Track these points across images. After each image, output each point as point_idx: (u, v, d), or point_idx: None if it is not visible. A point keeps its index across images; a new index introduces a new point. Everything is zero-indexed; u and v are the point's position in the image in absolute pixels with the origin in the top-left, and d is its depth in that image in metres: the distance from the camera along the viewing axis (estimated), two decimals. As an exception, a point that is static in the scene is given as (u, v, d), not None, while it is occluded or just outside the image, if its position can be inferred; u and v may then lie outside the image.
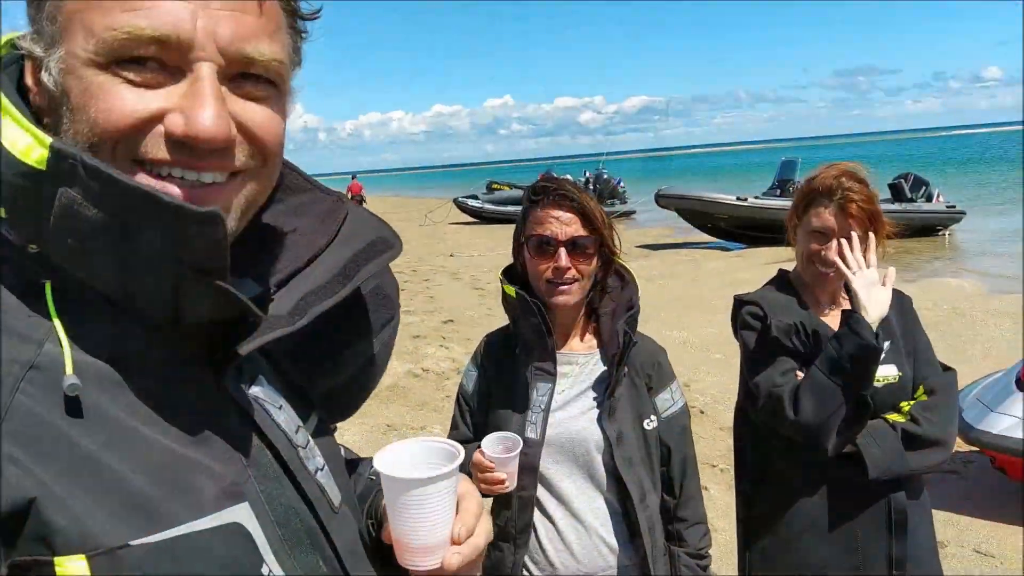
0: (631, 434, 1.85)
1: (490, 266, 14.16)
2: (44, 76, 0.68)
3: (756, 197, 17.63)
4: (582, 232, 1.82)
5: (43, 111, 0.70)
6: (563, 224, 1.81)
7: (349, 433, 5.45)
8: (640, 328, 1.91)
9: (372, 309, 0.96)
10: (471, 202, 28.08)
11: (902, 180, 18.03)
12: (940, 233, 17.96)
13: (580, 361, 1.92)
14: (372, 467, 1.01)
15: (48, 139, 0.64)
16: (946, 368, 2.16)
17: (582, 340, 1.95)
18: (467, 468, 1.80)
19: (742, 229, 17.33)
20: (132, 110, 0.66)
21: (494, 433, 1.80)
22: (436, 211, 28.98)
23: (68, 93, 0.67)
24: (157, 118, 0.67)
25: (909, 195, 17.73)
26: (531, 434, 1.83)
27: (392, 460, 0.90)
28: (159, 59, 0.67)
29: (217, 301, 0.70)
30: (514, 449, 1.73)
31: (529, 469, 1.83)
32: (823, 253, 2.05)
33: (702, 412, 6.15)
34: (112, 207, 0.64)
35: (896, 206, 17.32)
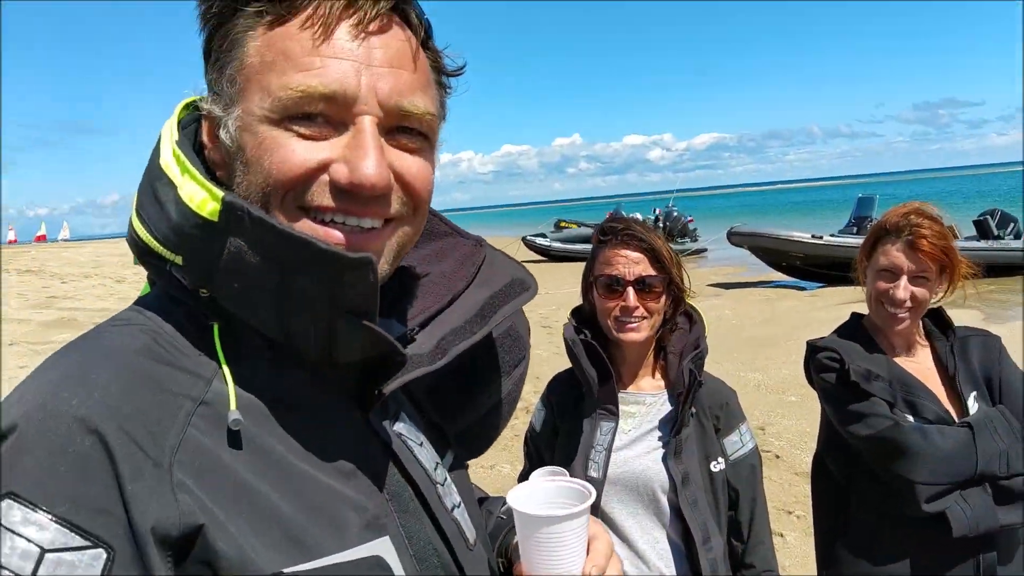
0: (697, 475, 1.83)
1: (558, 304, 14.16)
2: (222, 133, 0.75)
3: (832, 235, 17.22)
4: (650, 271, 1.83)
5: (217, 165, 0.77)
6: (631, 263, 1.83)
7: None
8: (713, 369, 1.89)
9: (505, 349, 1.00)
10: (539, 240, 28.27)
11: (988, 216, 17.34)
12: (1031, 272, 17.14)
13: (648, 401, 1.91)
14: (502, 505, 1.06)
15: (220, 193, 0.70)
16: None
17: (651, 379, 1.95)
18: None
19: (818, 267, 16.89)
20: (303, 161, 0.72)
21: (541, 468, 1.83)
22: (505, 250, 29.13)
23: (244, 148, 0.73)
24: (323, 167, 0.73)
25: (996, 232, 17.02)
26: (593, 472, 1.84)
27: (527, 497, 0.93)
28: (326, 114, 0.73)
29: (367, 341, 0.74)
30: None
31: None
32: (891, 292, 1.98)
33: (778, 457, 5.96)
34: (273, 254, 0.70)
35: (982, 244, 16.67)
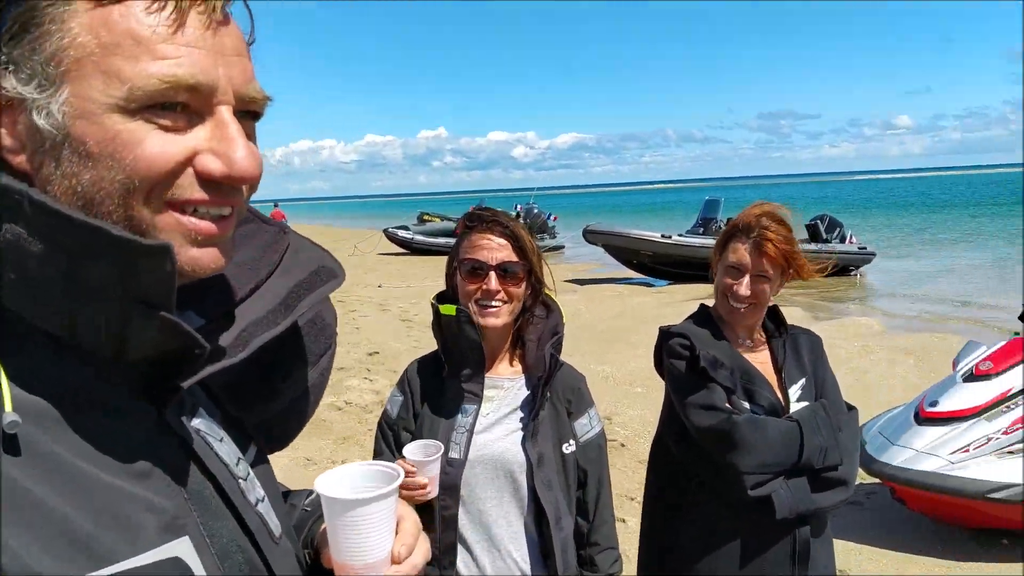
0: (551, 457, 1.90)
1: (419, 297, 14.12)
2: (35, 118, 0.69)
3: (680, 235, 18.10)
4: (513, 258, 1.89)
5: (11, 151, 0.70)
6: (495, 249, 1.89)
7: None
8: (567, 360, 1.97)
9: (310, 338, 0.97)
10: (401, 233, 27.97)
11: (818, 221, 18.80)
12: (853, 273, 18.71)
13: (506, 385, 1.96)
14: (306, 498, 1.03)
15: None
16: (850, 407, 2.25)
17: (508, 365, 2.00)
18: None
19: (666, 266, 17.74)
20: (170, 155, 0.69)
21: (414, 441, 1.83)
22: (365, 241, 28.75)
23: (80, 138, 0.68)
24: (189, 160, 0.70)
25: (824, 236, 18.47)
26: (455, 454, 1.87)
27: (332, 483, 0.92)
28: (186, 104, 0.70)
29: (164, 334, 0.71)
30: (435, 454, 1.76)
31: (451, 488, 1.87)
32: (735, 288, 2.12)
33: (623, 445, 6.24)
34: (60, 242, 0.65)
35: (812, 246, 18.03)
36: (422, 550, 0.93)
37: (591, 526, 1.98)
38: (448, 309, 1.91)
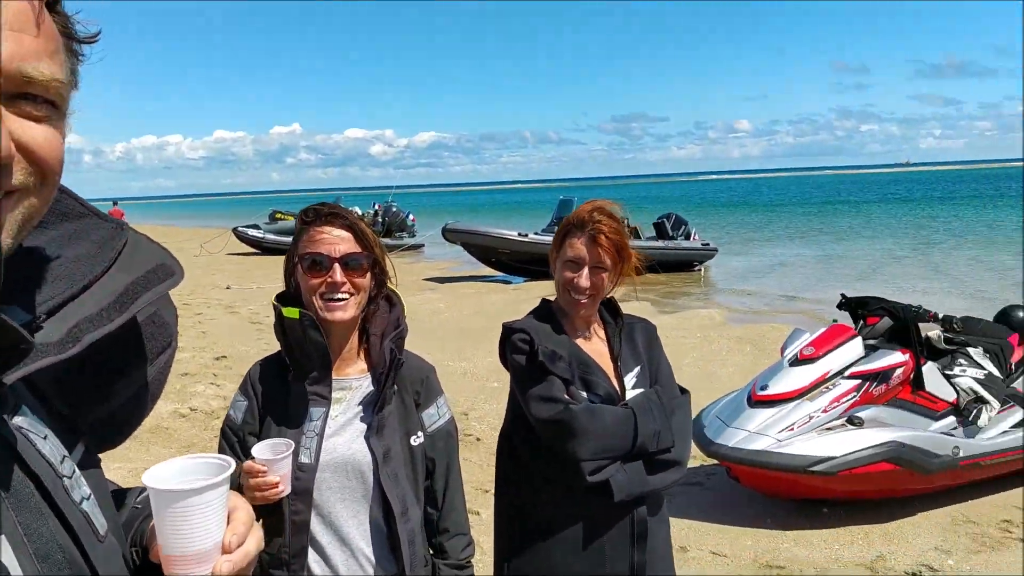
0: (398, 450, 1.90)
1: (270, 299, 13.64)
2: None
3: (536, 233, 18.50)
4: (356, 249, 1.87)
5: None
6: (337, 242, 1.86)
7: (108, 476, 5.01)
8: (425, 358, 1.98)
9: (148, 336, 0.95)
10: (252, 232, 26.92)
11: (665, 219, 19.75)
12: (696, 268, 19.80)
13: (354, 385, 1.94)
14: (137, 496, 1.01)
15: None
16: (683, 391, 2.38)
17: (356, 363, 1.98)
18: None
19: (523, 263, 18.08)
20: None
21: (263, 440, 1.80)
22: (213, 241, 27.48)
23: None
24: None
25: (671, 233, 19.44)
26: (305, 459, 1.84)
27: (161, 476, 0.90)
28: None
29: None
30: (285, 452, 1.73)
31: (303, 493, 1.84)
32: (575, 280, 2.20)
33: (478, 440, 6.32)
34: None
35: (660, 243, 19.01)
36: (254, 539, 0.93)
37: (440, 514, 2.00)
38: (291, 312, 1.87)
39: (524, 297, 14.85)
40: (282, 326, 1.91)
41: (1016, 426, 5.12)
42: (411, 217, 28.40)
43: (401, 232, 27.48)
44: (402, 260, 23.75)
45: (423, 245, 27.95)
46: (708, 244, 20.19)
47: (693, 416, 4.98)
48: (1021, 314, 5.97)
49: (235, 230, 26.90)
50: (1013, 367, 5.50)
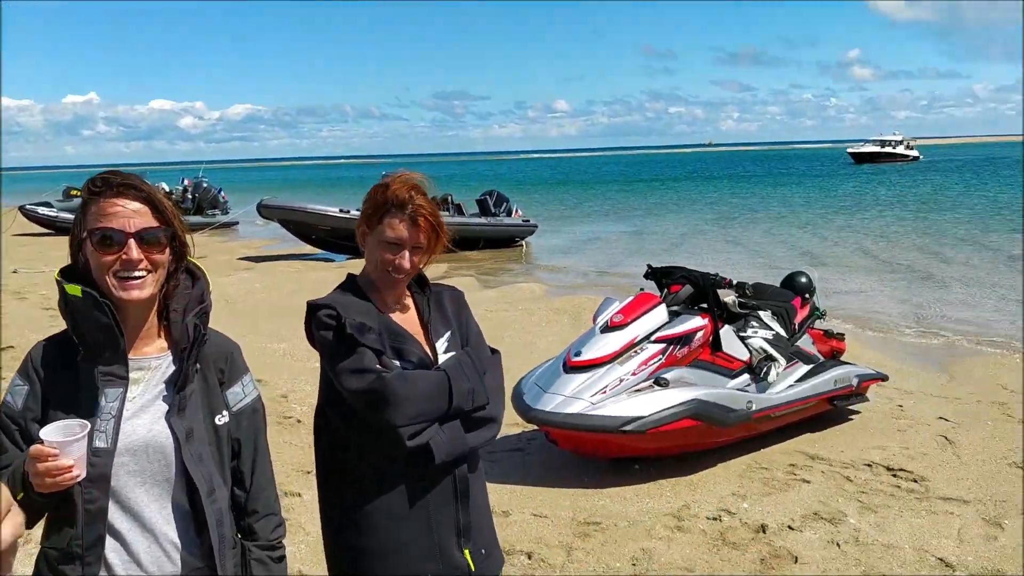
0: (202, 430, 1.81)
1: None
2: None
3: (358, 209, 18.16)
4: (153, 223, 1.74)
5: None
6: (132, 215, 1.72)
7: None
8: (241, 341, 1.88)
9: None
10: (42, 210, 24.52)
11: (487, 196, 20.05)
12: (518, 244, 20.33)
13: (153, 364, 1.82)
14: None
15: None
16: (493, 351, 2.44)
17: (155, 342, 1.85)
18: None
19: (346, 240, 17.71)
20: None
21: (52, 423, 1.64)
22: (-2, 220, 24.78)
23: None
24: None
25: (493, 210, 19.77)
26: (100, 443, 1.70)
27: None
28: None
29: None
30: (78, 433, 1.59)
31: (99, 480, 1.70)
32: (397, 262, 2.19)
33: (299, 421, 6.16)
34: None
35: (483, 219, 19.32)
36: (11, 524, 0.84)
37: (248, 495, 1.93)
38: (74, 289, 1.72)
39: (345, 274, 14.58)
40: (66, 303, 1.75)
41: (800, 380, 5.68)
42: (222, 194, 27.02)
43: (213, 210, 26.05)
44: (214, 239, 22.55)
45: (237, 223, 26.66)
46: (529, 220, 20.73)
47: (513, 384, 5.16)
48: (803, 279, 6.61)
49: (22, 208, 24.34)
50: (797, 327, 6.09)
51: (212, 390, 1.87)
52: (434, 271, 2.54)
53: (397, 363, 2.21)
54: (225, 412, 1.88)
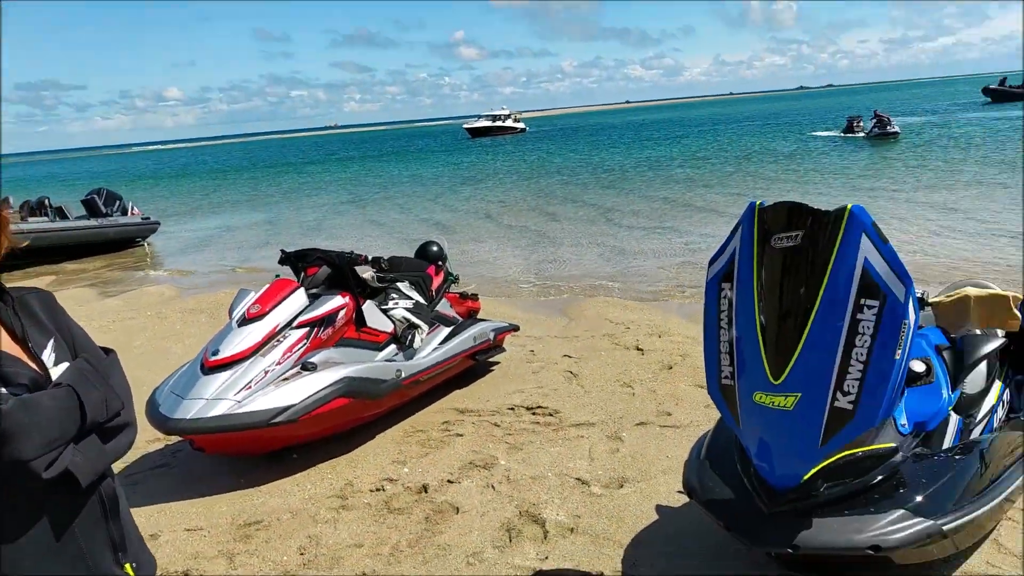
0: None
1: None
2: None
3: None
4: None
5: None
6: None
7: None
8: None
9: None
10: None
11: (95, 195, 18.01)
12: (140, 244, 18.60)
13: None
14: None
15: None
16: (107, 351, 2.20)
17: None
18: None
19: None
20: None
21: None
22: None
23: None
24: None
25: (104, 210, 17.82)
26: None
27: None
28: None
29: None
30: None
31: None
32: None
33: None
34: None
35: (93, 222, 17.31)
36: None
37: None
38: None
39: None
40: None
41: (443, 342, 5.99)
42: None
43: None
44: None
45: None
46: (149, 218, 19.15)
47: (147, 397, 4.70)
48: (435, 248, 6.94)
49: None
50: (435, 293, 6.39)
51: None
52: (36, 286, 2.21)
53: (4, 391, 1.89)
54: None
